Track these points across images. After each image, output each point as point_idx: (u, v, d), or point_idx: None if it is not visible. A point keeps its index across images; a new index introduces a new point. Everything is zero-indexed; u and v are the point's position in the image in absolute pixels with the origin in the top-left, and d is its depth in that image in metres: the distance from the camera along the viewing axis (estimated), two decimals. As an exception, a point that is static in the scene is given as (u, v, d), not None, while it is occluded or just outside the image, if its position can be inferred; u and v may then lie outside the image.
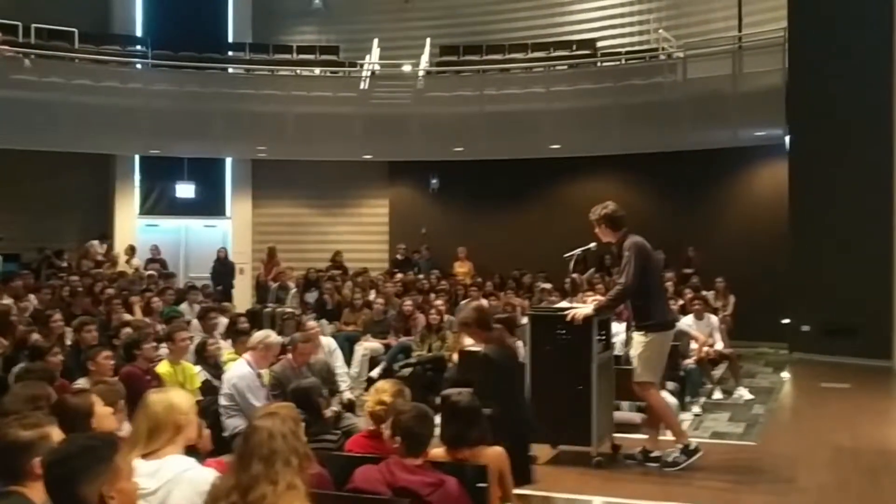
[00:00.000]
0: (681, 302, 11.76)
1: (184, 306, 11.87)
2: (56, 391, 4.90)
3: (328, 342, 8.86)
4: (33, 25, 15.81)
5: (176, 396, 3.68)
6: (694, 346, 10.37)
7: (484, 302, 11.45)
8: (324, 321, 12.13)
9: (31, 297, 11.50)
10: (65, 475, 2.65)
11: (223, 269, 16.37)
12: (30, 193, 16.51)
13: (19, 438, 2.93)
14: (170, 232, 18.27)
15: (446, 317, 11.23)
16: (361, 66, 16.75)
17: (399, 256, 17.32)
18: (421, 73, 16.61)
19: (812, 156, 12.31)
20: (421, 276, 15.47)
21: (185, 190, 18.16)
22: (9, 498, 2.83)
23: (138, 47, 17.52)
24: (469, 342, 9.99)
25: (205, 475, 3.43)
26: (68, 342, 8.61)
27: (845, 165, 11.89)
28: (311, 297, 14.12)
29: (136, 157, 18.24)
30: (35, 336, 7.68)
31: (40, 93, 14.45)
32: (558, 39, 17.39)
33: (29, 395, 4.18)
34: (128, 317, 10.09)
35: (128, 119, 15.05)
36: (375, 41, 17.06)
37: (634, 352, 6.45)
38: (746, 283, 13.89)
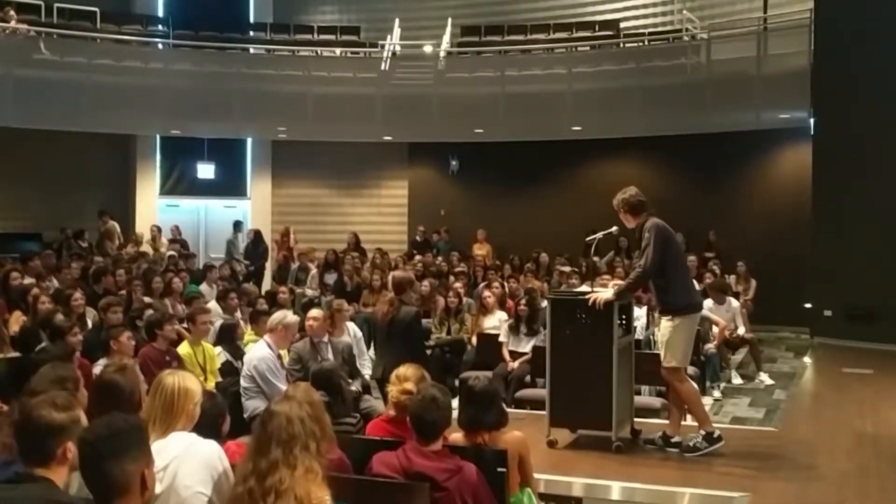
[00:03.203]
0: (700, 286, 11.68)
1: (203, 286, 11.90)
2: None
3: (353, 328, 8.86)
4: (55, 5, 15.90)
5: (190, 381, 3.71)
6: (714, 330, 10.31)
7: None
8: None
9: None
10: (104, 454, 2.66)
11: (256, 250, 16.39)
12: (51, 173, 16.59)
13: (53, 421, 2.90)
14: (190, 212, 18.34)
15: (465, 299, 11.18)
16: (382, 46, 16.68)
17: (418, 238, 17.31)
18: (442, 54, 16.54)
19: (837, 138, 12.15)
20: (440, 258, 15.45)
21: (206, 170, 18.20)
22: (38, 483, 2.81)
23: (159, 27, 17.53)
24: (488, 324, 10.06)
25: (210, 448, 3.47)
26: (90, 322, 8.69)
27: (870, 148, 11.72)
28: (331, 278, 14.13)
29: (157, 137, 18.29)
30: (59, 316, 7.71)
31: (62, 73, 14.55)
32: (581, 20, 17.24)
33: (56, 375, 4.16)
34: (148, 299, 10.11)
35: (149, 99, 15.10)
36: (396, 21, 16.99)
37: (661, 336, 6.38)
38: (768, 266, 13.81)
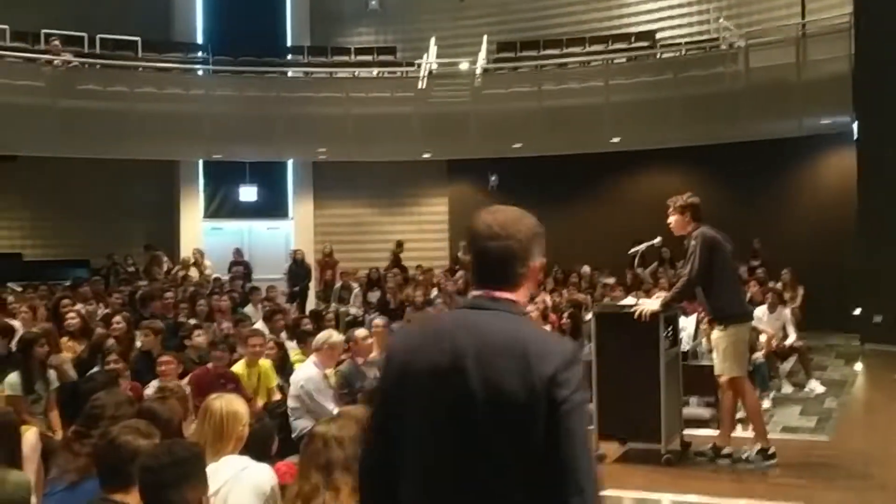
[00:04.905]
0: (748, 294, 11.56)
1: (249, 308, 12.01)
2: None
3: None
4: (98, 36, 16.18)
5: (237, 404, 3.77)
6: (762, 339, 10.18)
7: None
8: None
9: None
10: (166, 482, 2.71)
11: (299, 271, 16.55)
12: (98, 200, 16.94)
13: (140, 448, 2.99)
14: (233, 234, 18.56)
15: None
16: (419, 65, 16.80)
17: (460, 254, 17.32)
18: (478, 71, 16.59)
19: (881, 142, 11.98)
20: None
21: (248, 193, 18.44)
22: None
23: (199, 54, 17.81)
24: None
25: (262, 473, 3.51)
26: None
27: (916, 152, 11.56)
28: (374, 296, 14.20)
29: (200, 162, 18.57)
30: (111, 341, 7.84)
31: (106, 102, 14.79)
32: (616, 32, 17.25)
33: (120, 400, 4.25)
34: (192, 321, 10.22)
35: (191, 125, 15.37)
36: (432, 40, 17.10)
37: (715, 347, 6.35)
38: (814, 273, 13.60)
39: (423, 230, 18.46)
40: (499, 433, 1.94)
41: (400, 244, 16.99)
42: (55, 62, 14.79)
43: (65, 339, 8.87)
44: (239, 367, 7.51)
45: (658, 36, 16.77)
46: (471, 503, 1.97)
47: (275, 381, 7.67)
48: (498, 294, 2.12)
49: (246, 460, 3.59)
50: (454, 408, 1.98)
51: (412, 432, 2.04)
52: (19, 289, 12.78)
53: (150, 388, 6.60)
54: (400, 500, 2.06)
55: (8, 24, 15.58)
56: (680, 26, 16.94)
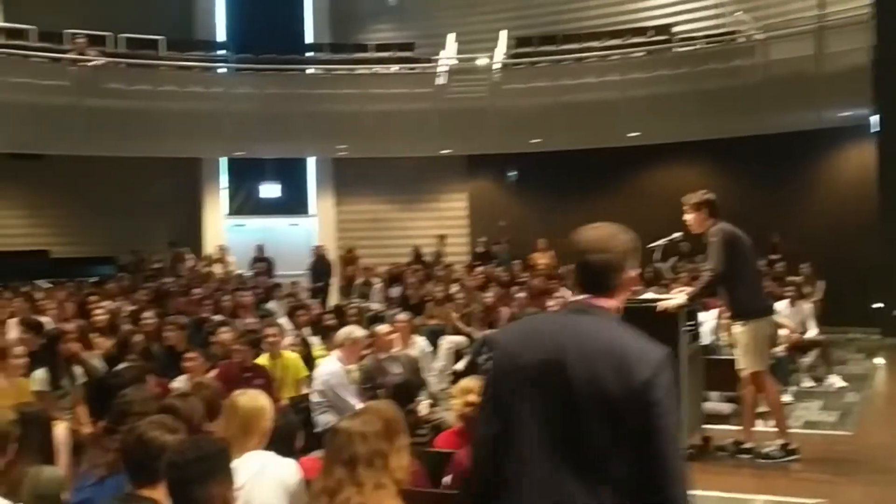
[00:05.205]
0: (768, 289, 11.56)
1: (271, 304, 12.14)
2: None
3: (421, 341, 8.94)
4: (122, 35, 16.36)
5: (261, 399, 3.81)
6: (782, 333, 10.19)
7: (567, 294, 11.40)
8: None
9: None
10: (192, 478, 2.75)
11: (321, 267, 16.66)
12: (123, 198, 17.11)
13: (166, 443, 3.01)
14: (256, 231, 18.69)
15: (528, 309, 11.19)
16: (437, 61, 16.85)
17: (479, 249, 17.41)
18: (496, 66, 16.62)
19: (901, 135, 11.93)
20: (501, 267, 15.50)
21: (270, 190, 18.62)
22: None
23: (221, 52, 17.94)
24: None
25: (287, 468, 3.55)
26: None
27: (937, 144, 11.50)
28: (395, 291, 14.29)
29: (223, 160, 18.73)
30: (138, 337, 7.97)
31: (130, 101, 14.94)
32: (633, 26, 17.22)
33: (146, 396, 4.35)
34: (217, 317, 10.33)
35: (212, 122, 15.47)
36: (451, 36, 17.13)
37: (736, 342, 6.37)
38: (834, 267, 13.58)
39: (444, 226, 18.52)
40: (597, 422, 2.24)
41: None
42: (82, 62, 14.92)
43: (93, 335, 9.05)
44: (262, 361, 7.57)
45: (675, 30, 16.72)
46: (571, 479, 2.25)
47: (304, 371, 7.74)
48: (596, 301, 2.46)
49: (271, 455, 3.62)
50: (557, 397, 2.29)
51: (520, 416, 2.35)
52: (47, 286, 12.95)
53: (178, 383, 6.74)
54: (504, 472, 2.35)
55: (34, 25, 15.79)
56: (697, 20, 16.85)
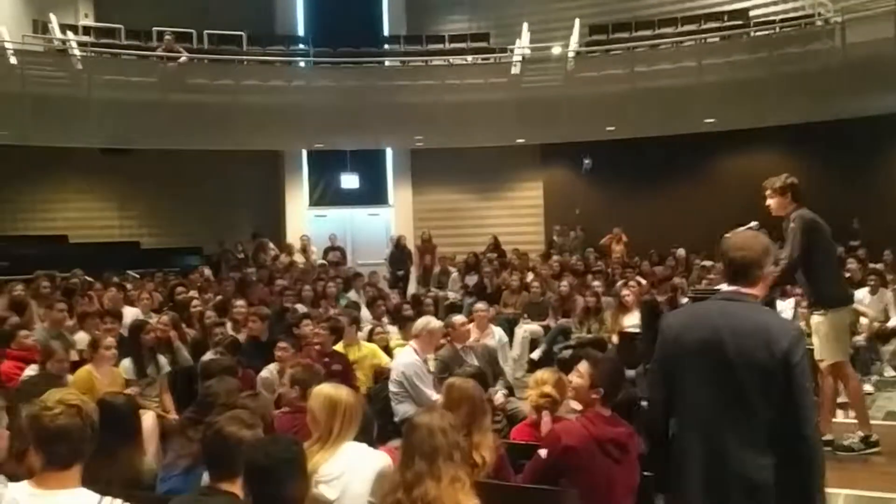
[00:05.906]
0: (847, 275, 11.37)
1: (351, 293, 12.37)
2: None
3: (498, 331, 9.03)
4: (205, 32, 16.85)
5: (344, 392, 3.86)
6: (863, 321, 10.03)
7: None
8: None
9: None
10: (278, 478, 2.87)
11: (401, 256, 16.96)
12: (208, 190, 17.71)
13: (243, 439, 3.10)
14: (336, 221, 19.08)
15: (604, 298, 11.22)
16: (511, 51, 16.92)
17: (555, 238, 17.47)
18: (571, 55, 16.62)
19: None
20: (574, 257, 15.54)
21: (350, 181, 19.00)
22: (223, 497, 3.00)
23: (301, 46, 18.31)
24: (628, 323, 10.08)
25: (380, 458, 3.67)
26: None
27: None
28: (472, 280, 14.42)
29: (304, 152, 19.16)
30: (218, 329, 8.26)
31: (213, 95, 15.40)
32: (709, 11, 17.03)
33: (231, 388, 4.50)
34: (300, 307, 10.48)
35: (293, 116, 15.81)
36: (525, 25, 17.19)
37: (814, 332, 6.23)
38: (918, 254, 13.28)
39: (519, 215, 18.66)
40: (751, 388, 2.94)
41: (495, 239, 17.22)
42: (170, 59, 15.41)
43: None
44: (339, 349, 7.71)
45: (751, 14, 16.47)
46: (731, 438, 2.96)
47: (385, 359, 7.86)
48: (743, 290, 3.13)
49: (363, 448, 3.71)
50: (717, 370, 3.00)
51: (685, 385, 3.10)
52: (137, 276, 13.45)
53: (266, 372, 7.01)
54: (672, 432, 3.14)
55: (122, 24, 16.41)
56: (774, 3, 16.61)
